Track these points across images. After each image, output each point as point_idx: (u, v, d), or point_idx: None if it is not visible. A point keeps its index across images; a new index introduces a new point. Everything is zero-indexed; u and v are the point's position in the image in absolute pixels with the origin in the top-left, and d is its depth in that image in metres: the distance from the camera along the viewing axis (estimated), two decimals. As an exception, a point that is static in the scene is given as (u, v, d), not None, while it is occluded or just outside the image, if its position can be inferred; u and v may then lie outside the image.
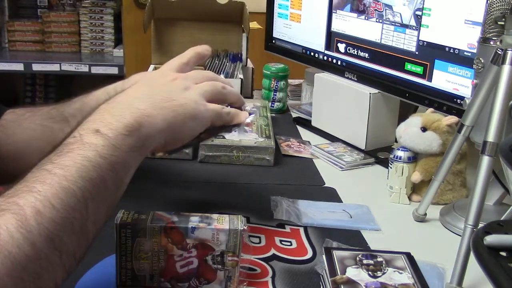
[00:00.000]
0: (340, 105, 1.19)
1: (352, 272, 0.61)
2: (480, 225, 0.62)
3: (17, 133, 0.85)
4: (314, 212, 0.86)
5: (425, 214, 0.86)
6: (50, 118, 0.84)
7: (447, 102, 0.96)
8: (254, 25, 1.55)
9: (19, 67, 2.43)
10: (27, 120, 0.85)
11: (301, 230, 0.81)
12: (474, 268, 0.57)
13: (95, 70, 2.44)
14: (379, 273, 0.61)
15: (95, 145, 0.53)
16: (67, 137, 0.55)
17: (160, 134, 0.60)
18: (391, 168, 0.94)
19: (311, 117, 1.29)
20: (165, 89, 0.64)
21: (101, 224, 0.53)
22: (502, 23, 0.71)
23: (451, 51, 0.95)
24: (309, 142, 1.19)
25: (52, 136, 0.84)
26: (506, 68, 0.69)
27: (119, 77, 2.42)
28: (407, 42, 1.04)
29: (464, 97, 0.81)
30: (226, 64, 1.41)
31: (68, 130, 0.75)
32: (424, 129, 0.91)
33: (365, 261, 0.63)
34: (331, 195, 0.94)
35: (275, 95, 1.39)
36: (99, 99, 0.78)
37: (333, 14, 1.22)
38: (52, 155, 0.52)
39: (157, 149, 0.65)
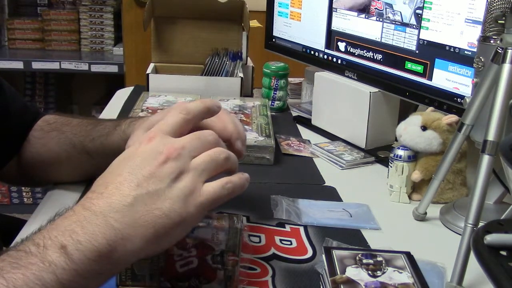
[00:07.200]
0: (340, 104, 1.18)
1: (352, 272, 0.61)
2: (480, 224, 0.62)
3: (45, 147, 0.87)
4: (314, 211, 0.86)
5: (425, 213, 0.86)
6: (73, 147, 0.85)
7: (447, 101, 0.96)
8: (254, 23, 1.55)
9: (18, 65, 2.43)
10: (53, 140, 0.86)
11: (301, 229, 0.81)
12: (474, 267, 0.57)
13: (95, 68, 2.44)
14: (378, 273, 0.61)
15: (55, 266, 0.48)
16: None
17: (134, 254, 0.54)
18: (391, 167, 0.93)
19: (311, 115, 1.29)
20: (150, 190, 0.54)
21: None
22: (502, 21, 0.71)
23: (452, 50, 0.95)
24: (309, 141, 1.19)
25: (75, 165, 0.87)
26: (506, 67, 0.69)
27: (119, 75, 2.43)
28: (407, 40, 1.04)
29: (464, 96, 0.81)
30: (226, 63, 1.41)
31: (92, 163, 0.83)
32: (424, 128, 0.91)
33: (364, 261, 0.63)
34: (331, 194, 0.94)
35: (275, 93, 1.39)
36: (114, 143, 0.81)
37: (333, 12, 1.22)
38: (9, 258, 0.48)
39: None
